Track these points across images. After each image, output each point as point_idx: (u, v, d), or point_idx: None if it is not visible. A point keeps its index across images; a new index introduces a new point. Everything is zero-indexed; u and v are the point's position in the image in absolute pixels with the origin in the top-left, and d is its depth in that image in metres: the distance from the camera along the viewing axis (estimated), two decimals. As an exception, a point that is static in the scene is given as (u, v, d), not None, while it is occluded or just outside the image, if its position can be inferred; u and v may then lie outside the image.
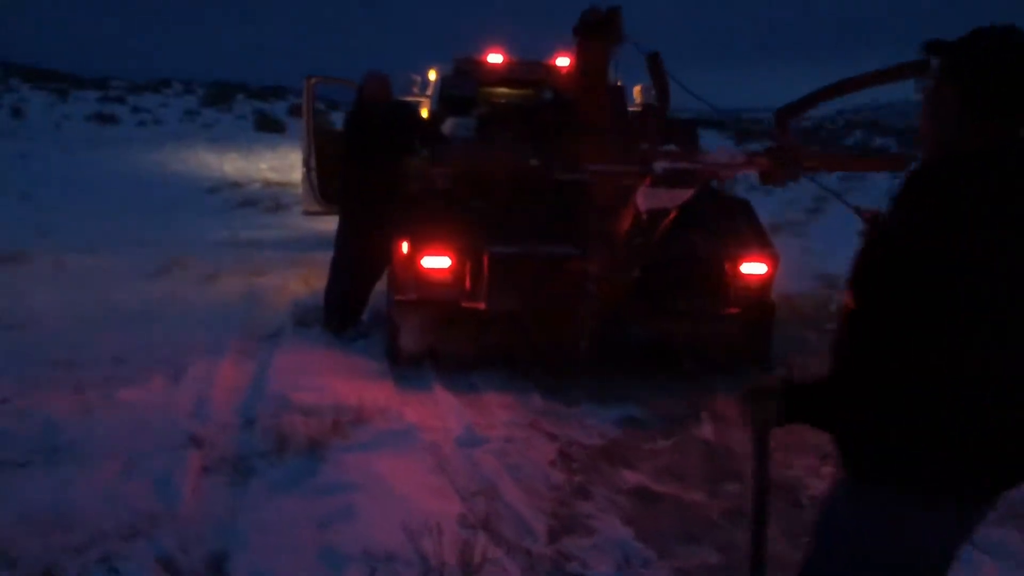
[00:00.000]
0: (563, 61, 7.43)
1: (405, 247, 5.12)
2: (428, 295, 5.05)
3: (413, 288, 5.08)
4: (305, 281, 7.42)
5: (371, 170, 5.72)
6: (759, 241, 5.34)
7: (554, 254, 4.95)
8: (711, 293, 5.15)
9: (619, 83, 5.10)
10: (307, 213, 8.65)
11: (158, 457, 3.90)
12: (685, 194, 4.87)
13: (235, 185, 13.84)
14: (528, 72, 7.43)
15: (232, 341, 5.67)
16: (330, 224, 9.39)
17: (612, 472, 4.02)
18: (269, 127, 21.92)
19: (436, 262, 4.99)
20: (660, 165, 4.48)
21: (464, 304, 5.02)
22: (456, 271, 4.98)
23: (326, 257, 8.36)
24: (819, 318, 6.91)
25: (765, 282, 5.26)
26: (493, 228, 5.05)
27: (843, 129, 39.34)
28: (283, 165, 17.26)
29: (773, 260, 5.25)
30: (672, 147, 4.91)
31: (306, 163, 8.45)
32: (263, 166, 17.05)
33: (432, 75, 7.63)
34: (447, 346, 5.20)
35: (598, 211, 4.86)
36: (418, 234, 5.05)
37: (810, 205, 12.88)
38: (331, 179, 8.38)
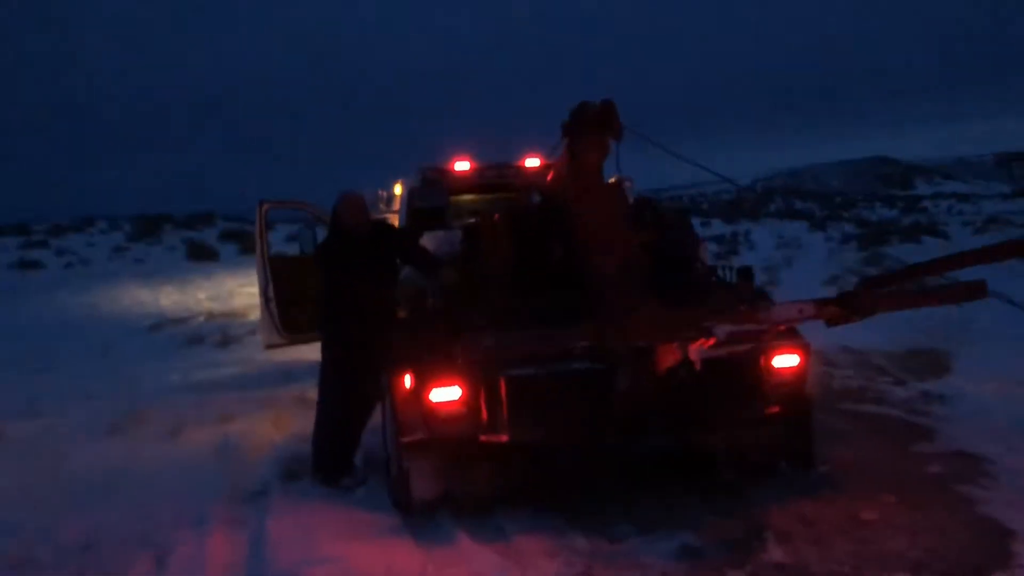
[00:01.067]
0: (533, 162, 7.09)
1: (408, 381, 4.57)
2: (440, 432, 4.49)
3: (421, 426, 4.51)
4: (278, 424, 6.79)
5: (357, 299, 5.19)
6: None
7: (577, 371, 4.44)
8: (746, 394, 4.69)
9: (623, 180, 4.74)
10: (269, 347, 8.04)
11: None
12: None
13: (177, 321, 13.08)
14: (500, 176, 7.07)
15: (214, 508, 4.99)
16: (291, 355, 8.86)
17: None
18: (202, 255, 21.27)
19: (446, 394, 4.44)
20: (723, 329, 4.04)
21: (483, 439, 4.47)
22: (469, 402, 4.44)
23: (294, 394, 7.88)
24: (839, 398, 6.53)
25: (800, 374, 4.83)
26: (504, 348, 4.53)
27: (762, 196, 40.30)
28: (221, 293, 16.62)
29: (805, 349, 4.84)
30: (734, 307, 4.49)
31: (264, 293, 7.87)
32: (201, 296, 16.36)
33: (398, 188, 7.19)
34: (466, 488, 4.61)
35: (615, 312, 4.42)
36: (422, 364, 4.52)
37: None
38: (292, 309, 7.86)
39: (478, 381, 4.43)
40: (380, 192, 7.51)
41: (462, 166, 6.96)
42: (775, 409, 4.78)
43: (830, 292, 11.97)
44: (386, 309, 5.25)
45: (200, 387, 8.38)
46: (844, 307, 4.12)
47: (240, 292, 16.83)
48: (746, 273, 5.36)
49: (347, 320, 5.23)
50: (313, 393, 7.79)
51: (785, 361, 4.75)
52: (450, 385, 4.43)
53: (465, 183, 6.99)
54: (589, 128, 4.61)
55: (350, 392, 5.26)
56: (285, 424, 6.82)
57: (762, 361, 4.69)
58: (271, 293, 7.84)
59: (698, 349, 4.09)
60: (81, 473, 5.73)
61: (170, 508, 4.96)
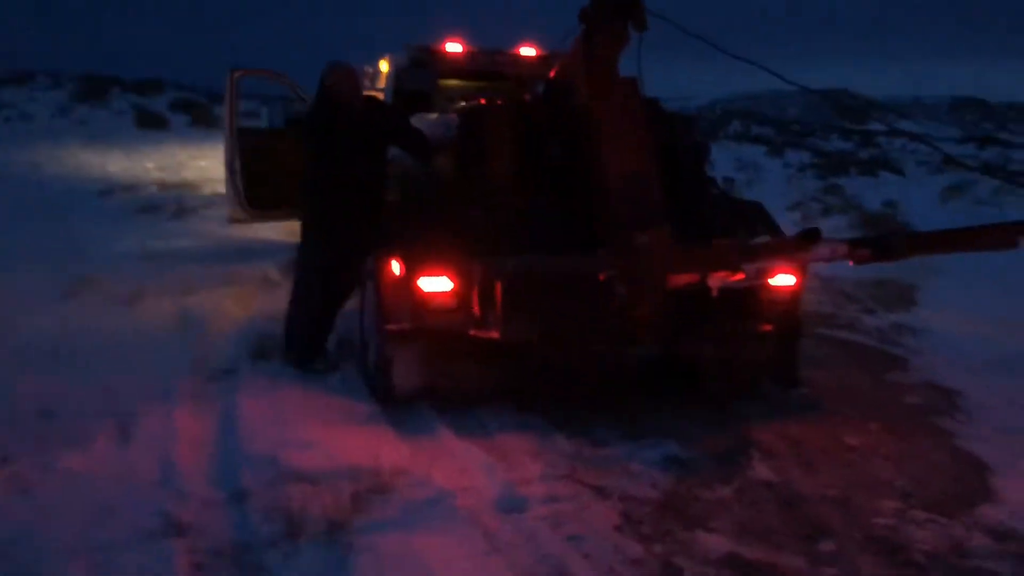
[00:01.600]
0: (528, 51, 6.76)
1: (396, 266, 4.36)
2: (427, 323, 4.31)
3: (408, 315, 4.33)
4: (241, 302, 6.52)
5: (343, 178, 4.91)
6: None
7: (579, 266, 4.26)
8: (743, 310, 4.58)
9: (638, 79, 4.46)
10: (232, 221, 7.71)
11: (131, 552, 3.07)
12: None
13: (127, 188, 12.52)
14: (493, 63, 6.72)
15: (180, 383, 4.77)
16: (251, 233, 8.53)
17: (689, 536, 3.39)
18: (152, 124, 20.35)
19: (437, 284, 4.25)
20: (753, 267, 3.88)
21: (472, 333, 4.30)
22: (461, 294, 4.26)
23: (256, 272, 7.58)
24: (813, 323, 6.50)
25: (795, 294, 4.74)
26: (502, 238, 4.34)
27: (721, 118, 40.01)
28: (171, 164, 15.95)
29: (802, 270, 4.73)
30: (764, 238, 4.32)
31: (229, 166, 7.51)
32: (150, 165, 15.69)
33: (384, 66, 6.81)
34: (451, 382, 4.46)
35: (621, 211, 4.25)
36: (413, 250, 4.31)
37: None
38: (257, 184, 7.52)
39: (472, 273, 4.23)
40: (365, 68, 7.11)
41: (454, 48, 6.59)
42: (767, 327, 4.69)
43: (796, 217, 12.12)
44: (374, 191, 4.98)
45: (157, 256, 8.00)
46: (877, 250, 3.99)
47: (191, 164, 16.20)
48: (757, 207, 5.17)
49: (330, 200, 4.96)
50: (276, 274, 7.63)
51: (782, 281, 4.64)
52: (442, 275, 4.24)
53: (455, 67, 6.64)
54: (611, 14, 4.33)
55: (329, 276, 5.03)
56: (248, 302, 6.57)
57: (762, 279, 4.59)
58: (237, 166, 7.49)
59: (721, 279, 3.98)
60: (36, 337, 5.44)
61: (132, 380, 4.72)
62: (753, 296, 4.55)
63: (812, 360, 5.53)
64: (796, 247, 4.03)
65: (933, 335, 6.56)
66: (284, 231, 8.41)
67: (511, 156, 4.75)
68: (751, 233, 4.72)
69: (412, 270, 4.25)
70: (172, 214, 10.46)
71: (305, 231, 5.19)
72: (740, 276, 3.99)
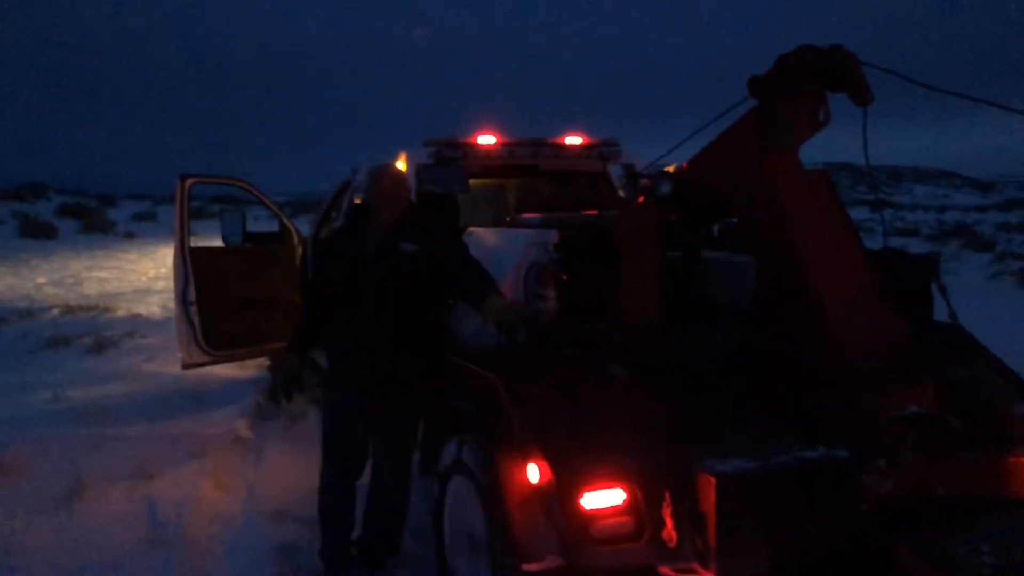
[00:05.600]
0: (574, 139, 5.44)
1: (535, 472, 2.88)
2: (592, 560, 2.82)
3: (558, 547, 2.83)
4: (223, 484, 4.89)
5: (369, 323, 3.48)
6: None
7: (812, 462, 2.87)
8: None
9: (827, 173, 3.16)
10: (187, 366, 6.03)
11: None
12: None
13: (24, 314, 10.54)
14: (535, 155, 5.34)
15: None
16: (203, 373, 6.78)
17: None
18: (38, 232, 18.25)
19: (609, 497, 2.79)
20: None
21: (664, 571, 2.83)
22: (646, 513, 2.80)
23: (221, 430, 5.89)
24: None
25: None
26: (685, 420, 2.94)
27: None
28: (66, 279, 14.04)
29: None
30: None
31: (181, 297, 5.88)
32: (42, 280, 13.73)
33: (401, 165, 5.37)
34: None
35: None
36: (568, 446, 2.85)
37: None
38: (218, 316, 5.94)
39: (657, 480, 2.79)
40: (353, 169, 5.64)
41: (486, 140, 5.22)
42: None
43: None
44: (422, 341, 3.56)
45: (86, 414, 6.19)
46: None
47: (89, 277, 14.31)
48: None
49: (352, 354, 3.53)
50: (246, 429, 6.03)
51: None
52: (616, 486, 2.78)
53: (489, 164, 5.26)
54: (807, 84, 3.04)
55: (346, 453, 3.59)
56: (230, 481, 4.95)
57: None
58: (192, 296, 5.88)
59: None
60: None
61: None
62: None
63: None
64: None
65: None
66: (238, 363, 6.83)
67: (658, 285, 3.38)
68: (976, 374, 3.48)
69: (568, 477, 2.77)
70: (89, 348, 8.56)
71: (332, 401, 3.73)
72: None
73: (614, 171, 5.67)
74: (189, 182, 5.89)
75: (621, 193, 5.80)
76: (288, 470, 5.14)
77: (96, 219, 19.62)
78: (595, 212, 4.36)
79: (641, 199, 3.46)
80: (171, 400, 6.58)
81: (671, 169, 3.75)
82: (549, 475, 2.82)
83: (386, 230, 3.56)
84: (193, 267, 5.86)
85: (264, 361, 7.08)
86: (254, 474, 5.13)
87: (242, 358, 6.29)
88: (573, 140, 5.42)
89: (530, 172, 5.41)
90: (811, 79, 3.01)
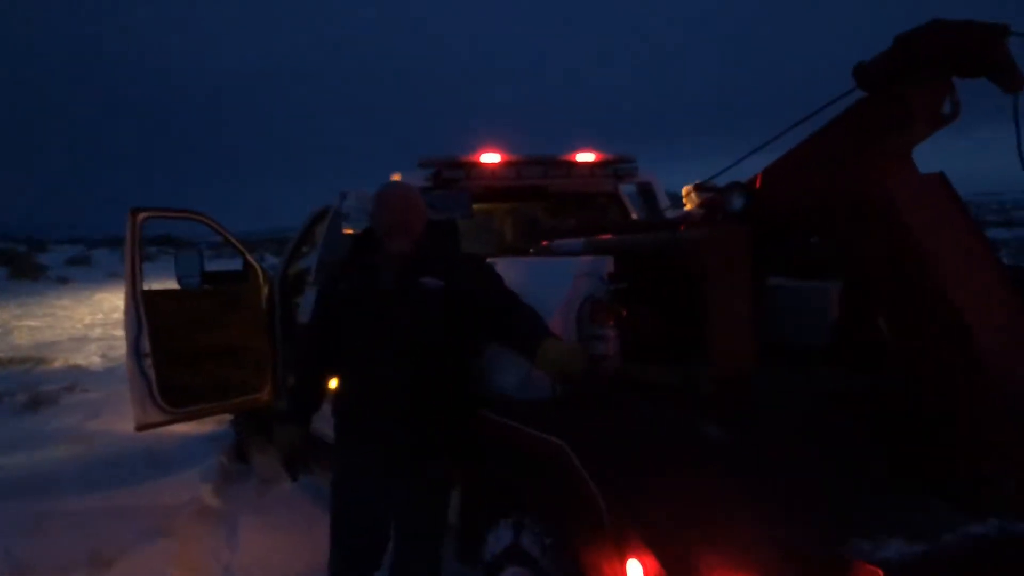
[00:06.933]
0: (586, 156, 4.84)
1: (636, 570, 2.23)
2: None
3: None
4: (190, 566, 4.15)
5: (427, 377, 2.83)
6: None
7: (991, 541, 2.28)
8: None
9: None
10: (142, 427, 5.22)
11: None
12: None
13: (-52, 369, 9.60)
14: (545, 175, 4.72)
15: None
16: (157, 431, 5.91)
17: None
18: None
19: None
20: None
21: None
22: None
23: (182, 499, 5.14)
24: None
25: None
26: (814, 488, 2.34)
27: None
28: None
29: None
30: None
31: (134, 348, 5.09)
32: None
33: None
34: None
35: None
36: (675, 536, 2.20)
37: None
38: (177, 370, 5.17)
39: (801, 571, 2.16)
40: (341, 194, 4.94)
41: (490, 159, 4.58)
42: None
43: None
44: (448, 397, 2.91)
45: (23, 485, 5.38)
46: None
47: (19, 327, 13.32)
48: None
49: (367, 414, 2.88)
50: (211, 496, 5.30)
51: None
52: (747, 579, 2.15)
53: (493, 185, 4.62)
54: (934, 68, 2.48)
55: (361, 536, 2.93)
56: (202, 564, 4.22)
57: None
58: (146, 347, 5.11)
59: None
60: None
61: None
62: None
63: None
64: None
65: None
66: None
67: (752, 320, 2.79)
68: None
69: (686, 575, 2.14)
70: (24, 406, 7.68)
71: (345, 473, 3.05)
72: None
73: (624, 190, 5.12)
74: (141, 216, 5.14)
75: (634, 215, 5.25)
76: (268, 548, 4.43)
77: (25, 264, 18.47)
78: (608, 235, 3.75)
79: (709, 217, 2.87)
80: (123, 464, 5.80)
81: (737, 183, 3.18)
82: (659, 572, 2.17)
83: (403, 262, 2.91)
84: (147, 313, 5.10)
85: (225, 416, 6.31)
86: (228, 554, 4.40)
87: (204, 415, 5.51)
88: (585, 157, 4.83)
89: (539, 194, 4.80)
90: (942, 62, 2.45)
